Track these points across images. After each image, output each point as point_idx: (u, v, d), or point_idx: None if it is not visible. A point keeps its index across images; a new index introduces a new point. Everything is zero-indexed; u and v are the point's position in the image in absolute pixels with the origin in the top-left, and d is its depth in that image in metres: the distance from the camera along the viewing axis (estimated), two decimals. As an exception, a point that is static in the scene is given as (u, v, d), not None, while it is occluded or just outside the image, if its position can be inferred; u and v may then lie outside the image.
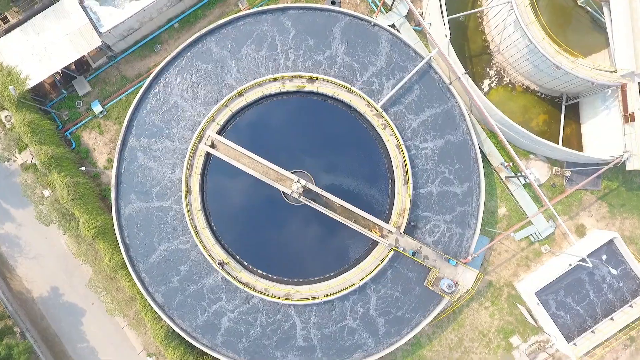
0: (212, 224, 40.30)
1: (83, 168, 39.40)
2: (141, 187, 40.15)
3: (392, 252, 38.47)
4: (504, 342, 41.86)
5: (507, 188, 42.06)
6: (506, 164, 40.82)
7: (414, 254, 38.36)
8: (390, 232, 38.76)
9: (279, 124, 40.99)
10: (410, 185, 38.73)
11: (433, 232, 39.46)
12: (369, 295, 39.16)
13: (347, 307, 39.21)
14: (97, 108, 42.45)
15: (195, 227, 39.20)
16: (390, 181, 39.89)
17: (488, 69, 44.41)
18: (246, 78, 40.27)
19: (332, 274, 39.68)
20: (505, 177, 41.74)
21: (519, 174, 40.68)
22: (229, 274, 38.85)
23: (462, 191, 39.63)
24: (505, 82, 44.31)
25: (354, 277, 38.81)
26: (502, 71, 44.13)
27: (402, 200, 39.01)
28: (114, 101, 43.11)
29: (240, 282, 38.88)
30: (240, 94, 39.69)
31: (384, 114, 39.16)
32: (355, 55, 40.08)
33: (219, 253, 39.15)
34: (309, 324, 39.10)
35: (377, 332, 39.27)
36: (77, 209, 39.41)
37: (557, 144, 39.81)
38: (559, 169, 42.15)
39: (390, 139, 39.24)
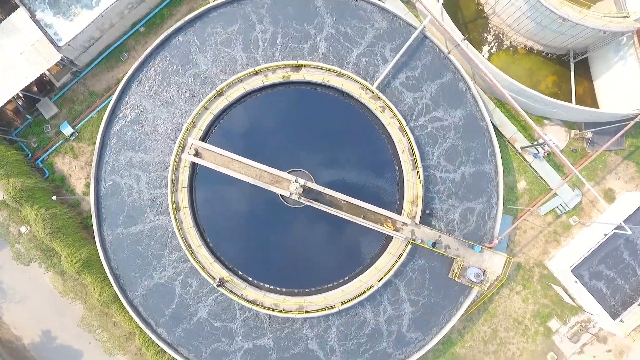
0: (208, 240, 35.44)
1: (54, 197, 34.44)
2: (124, 209, 35.26)
3: (409, 246, 33.72)
4: (542, 328, 37.15)
5: (525, 159, 37.33)
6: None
7: (433, 244, 33.62)
8: (404, 224, 34.01)
9: (268, 121, 36.18)
10: (420, 170, 33.99)
11: (451, 218, 34.73)
12: (389, 296, 34.40)
13: (367, 311, 34.43)
14: (67, 130, 37.54)
15: (190, 247, 34.35)
16: (397, 168, 35.13)
17: (485, 35, 39.65)
18: (224, 75, 35.44)
19: (346, 278, 34.89)
20: (522, 148, 37.02)
21: (537, 143, 35.98)
22: (232, 292, 34.03)
23: (477, 169, 34.91)
24: (505, 46, 39.57)
25: (371, 278, 34.04)
26: (500, 35, 39.39)
27: (412, 187, 34.26)
28: (84, 120, 38.20)
29: (247, 300, 34.04)
30: (220, 93, 34.87)
31: (380, 95, 34.40)
32: (340, 35, 35.30)
33: (219, 271, 34.31)
34: (328, 337, 34.30)
35: (404, 335, 34.50)
36: (57, 243, 34.53)
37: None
38: (578, 131, 37.45)
39: (391, 121, 34.48)
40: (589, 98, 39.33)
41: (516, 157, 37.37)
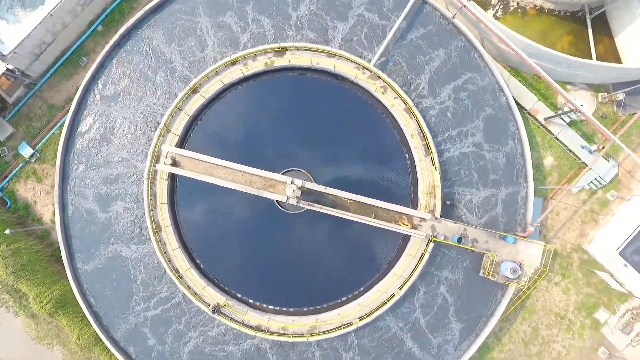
0: (198, 261, 29.59)
1: (9, 231, 28.41)
2: (98, 235, 29.35)
3: (431, 244, 28.01)
4: (589, 320, 31.50)
5: (549, 132, 31.68)
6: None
7: (459, 240, 27.92)
8: (422, 219, 28.29)
9: (253, 117, 30.34)
10: (435, 155, 28.28)
11: (475, 206, 29.03)
12: (414, 304, 28.69)
13: (390, 324, 28.69)
14: (26, 152, 31.55)
15: (177, 271, 28.49)
16: (407, 156, 29.40)
17: (488, -3, 33.98)
18: (198, 68, 29.59)
19: (362, 289, 29.14)
20: (545, 120, 31.35)
21: (563, 112, 30.37)
22: (231, 319, 28.21)
23: (499, 148, 29.25)
24: (512, 8, 33.81)
25: (391, 286, 28.31)
26: (505, -5, 33.72)
27: (428, 176, 28.53)
28: (45, 138, 32.20)
29: (249, 327, 28.22)
30: (194, 90, 29.02)
31: (380, 73, 28.66)
32: (325, 8, 29.50)
33: (214, 296, 28.48)
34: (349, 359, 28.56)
35: (436, 346, 28.79)
36: (23, 283, 28.66)
37: (598, 64, 29.56)
38: (606, 94, 31.84)
39: (395, 102, 28.73)
40: (611, 56, 33.61)
41: (539, 130, 31.70)
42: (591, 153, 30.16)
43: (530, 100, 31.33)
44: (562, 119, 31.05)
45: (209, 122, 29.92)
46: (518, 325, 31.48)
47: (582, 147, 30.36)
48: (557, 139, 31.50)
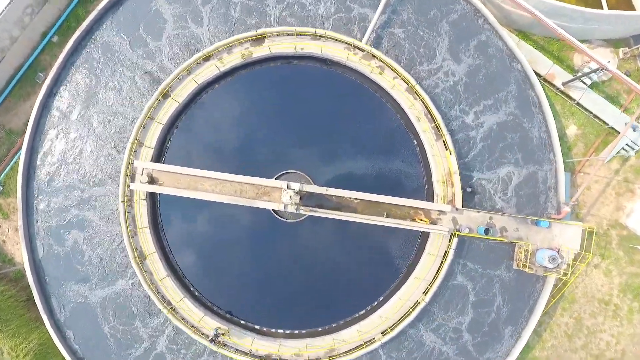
0: (192, 288, 25.40)
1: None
2: (74, 273, 25.10)
3: (454, 240, 23.90)
4: (637, 303, 27.47)
5: (569, 98, 27.62)
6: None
7: (486, 231, 23.82)
8: (441, 212, 24.19)
9: (237, 118, 26.17)
10: (447, 138, 24.19)
11: (499, 190, 24.95)
12: (442, 310, 24.59)
13: (418, 334, 24.59)
14: (-13, 186, 27.35)
15: (168, 304, 24.27)
16: (415, 142, 25.31)
17: (482, -42, 29.83)
18: (166, 68, 25.39)
19: (381, 298, 25.02)
20: (563, 85, 27.27)
21: (582, 73, 26.31)
22: (236, 350, 24.02)
23: (519, 120, 25.18)
24: (510, -33, 29.75)
25: (414, 293, 24.20)
26: (501, -46, 29.58)
27: (442, 162, 24.43)
28: (7, 168, 27.94)
29: (259, 357, 24.03)
30: (164, 95, 24.81)
31: (374, 51, 24.52)
32: (305, -15, 25.39)
33: (215, 326, 24.25)
34: (375, 380, 24.42)
35: (473, 353, 24.70)
36: (-5, 336, 24.37)
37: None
38: (627, 49, 27.79)
39: (395, 83, 24.60)
40: (624, 6, 29.65)
41: (558, 97, 27.60)
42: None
43: (545, 65, 27.24)
44: (582, 82, 26.98)
45: (187, 129, 25.73)
46: (558, 317, 27.39)
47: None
48: (578, 104, 27.42)
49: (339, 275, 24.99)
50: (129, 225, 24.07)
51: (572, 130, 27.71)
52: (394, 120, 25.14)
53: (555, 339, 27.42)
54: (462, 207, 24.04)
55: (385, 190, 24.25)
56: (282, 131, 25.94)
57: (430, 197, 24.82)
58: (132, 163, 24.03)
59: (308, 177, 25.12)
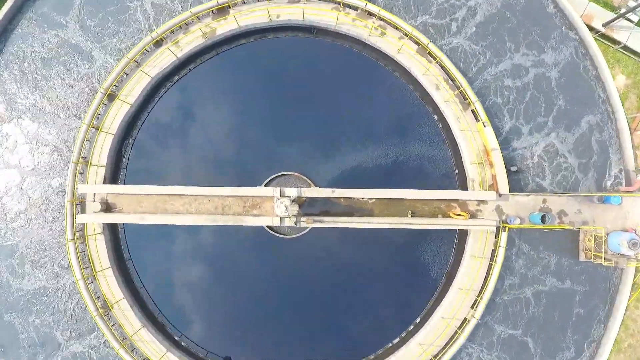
0: (179, 338, 19.35)
1: None
2: (18, 340, 18.99)
3: (503, 235, 18.02)
4: None
5: (613, 42, 21.78)
6: None
7: (543, 219, 17.92)
8: (481, 201, 18.33)
9: (209, 115, 20.13)
10: (477, 105, 18.31)
11: (550, 165, 19.11)
12: (499, 326, 18.71)
13: (476, 354, 18.71)
14: None
15: (147, 362, 18.22)
16: (435, 117, 19.43)
17: None
18: (107, 63, 19.28)
19: (417, 320, 19.10)
20: (604, 26, 21.42)
21: (628, 8, 20.49)
22: (245, 411, 18.02)
23: (561, 72, 19.35)
24: None
25: (460, 308, 18.31)
26: None
27: (474, 138, 18.55)
28: None
29: (272, 417, 18.05)
30: (110, 96, 18.73)
31: (370, 7, 18.56)
32: None
33: (211, 384, 18.25)
34: None
35: (539, 376, 18.85)
36: None
37: None
38: (674, -26, 21.99)
39: (403, 44, 18.66)
40: None
41: (600, 44, 21.73)
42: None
43: (579, 5, 21.36)
44: (627, 19, 21.14)
45: (147, 136, 19.70)
46: (632, 310, 21.53)
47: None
48: (625, 48, 21.56)
49: (359, 299, 19.06)
50: (85, 269, 17.99)
51: (620, 80, 21.79)
52: (406, 93, 19.23)
53: (633, 337, 21.52)
54: (507, 191, 18.16)
55: (406, 183, 18.44)
56: (268, 125, 19.98)
57: (463, 184, 18.95)
58: (76, 188, 17.93)
59: (307, 179, 19.18)
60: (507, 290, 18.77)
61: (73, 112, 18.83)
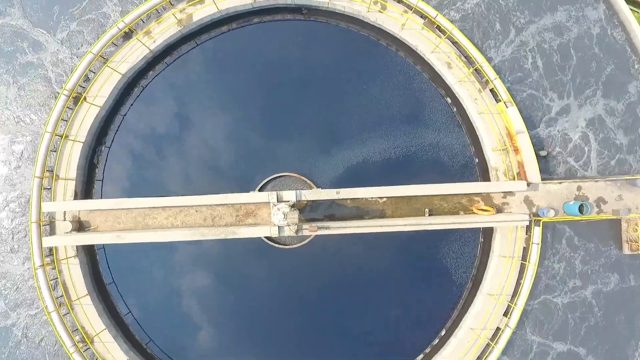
0: (171, 368, 16.80)
1: None
2: (-6, 381, 16.42)
3: (536, 230, 15.52)
4: None
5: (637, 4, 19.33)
6: None
7: (581, 208, 15.37)
8: (508, 194, 15.83)
9: (194, 113, 17.57)
10: (498, 83, 15.81)
11: (583, 146, 16.61)
12: (537, 334, 16.20)
13: (502, 373, 16.16)
14: None
15: (137, 402, 15.64)
16: (449, 100, 16.93)
17: None
18: (66, 62, 16.71)
19: (442, 333, 16.58)
20: (630, -12, 18.93)
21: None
22: None
23: (590, 39, 16.84)
24: None
25: (489, 317, 15.79)
26: None
27: (497, 120, 16.04)
28: None
29: None
30: (76, 99, 16.15)
31: (368, -21, 16.03)
32: None
33: (212, 421, 15.69)
34: None
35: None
36: None
37: None
38: None
39: (408, 20, 16.12)
40: None
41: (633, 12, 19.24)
42: None
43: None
44: (654, -21, 18.60)
45: (123, 142, 17.14)
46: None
47: None
48: (652, 11, 19.07)
49: (375, 313, 16.53)
50: (58, 299, 15.41)
51: (650, 48, 19.24)
52: (413, 75, 16.70)
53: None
54: (541, 180, 15.65)
55: (420, 178, 15.93)
56: (260, 121, 17.44)
57: (484, 174, 16.44)
58: (41, 207, 15.34)
59: (307, 180, 16.64)
60: (542, 289, 16.26)
61: (42, 119, 16.23)
